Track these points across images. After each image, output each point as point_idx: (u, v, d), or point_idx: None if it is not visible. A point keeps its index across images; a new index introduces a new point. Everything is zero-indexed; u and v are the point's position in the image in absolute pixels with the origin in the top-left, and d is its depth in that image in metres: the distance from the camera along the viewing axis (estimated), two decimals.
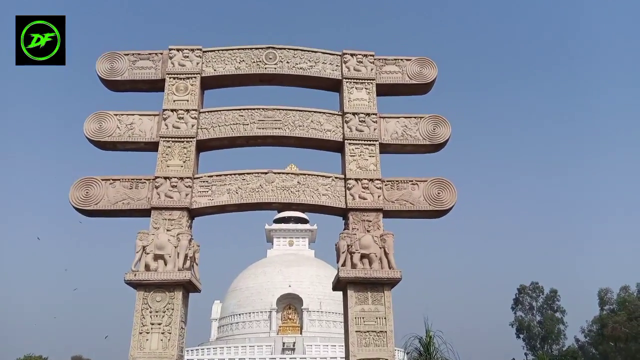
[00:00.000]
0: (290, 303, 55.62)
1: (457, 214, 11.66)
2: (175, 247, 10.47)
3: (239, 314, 55.40)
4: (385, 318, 10.29)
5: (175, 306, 10.14)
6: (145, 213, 11.01)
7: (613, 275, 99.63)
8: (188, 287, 10.60)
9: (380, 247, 10.76)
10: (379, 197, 11.21)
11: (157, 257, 10.39)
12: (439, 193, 11.39)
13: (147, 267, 10.29)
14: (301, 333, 52.08)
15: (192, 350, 47.28)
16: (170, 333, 9.94)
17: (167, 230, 10.73)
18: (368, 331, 10.20)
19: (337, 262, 10.97)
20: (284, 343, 49.33)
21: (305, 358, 45.05)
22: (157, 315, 10.06)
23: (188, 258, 10.56)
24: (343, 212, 11.45)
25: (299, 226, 65.47)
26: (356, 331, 10.19)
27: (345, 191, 11.29)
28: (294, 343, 49.44)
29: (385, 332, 10.18)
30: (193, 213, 11.26)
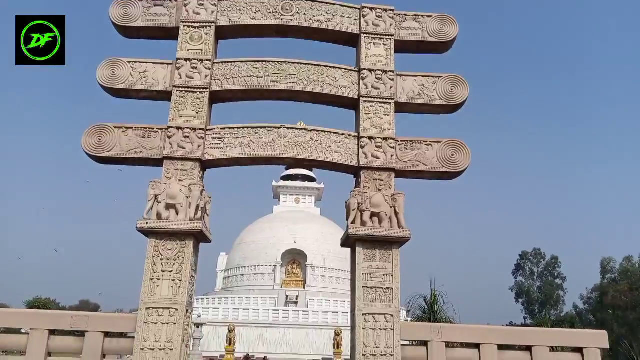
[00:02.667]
0: (295, 258, 56.69)
1: (465, 177, 11.55)
2: (187, 197, 10.53)
3: (244, 267, 56.59)
4: (392, 275, 10.40)
5: (186, 255, 10.29)
6: (157, 162, 11.03)
7: (616, 245, 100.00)
8: (199, 237, 10.73)
9: (390, 207, 10.77)
10: (392, 156, 11.13)
11: (168, 207, 10.47)
12: (452, 155, 11.28)
13: (158, 216, 10.39)
14: (304, 287, 53.28)
15: (198, 299, 48.58)
16: (180, 280, 10.14)
17: (179, 180, 10.77)
18: (375, 287, 10.34)
19: (347, 219, 11.00)
20: (287, 296, 50.52)
21: (308, 311, 46.15)
22: (168, 263, 10.23)
23: (199, 209, 10.64)
24: (355, 171, 11.41)
25: (306, 184, 65.87)
26: (363, 287, 10.33)
27: (358, 149, 11.20)
28: (297, 297, 50.62)
29: (392, 289, 10.32)
30: (205, 165, 11.27)
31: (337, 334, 33.41)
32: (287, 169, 66.29)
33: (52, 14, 9.64)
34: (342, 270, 56.45)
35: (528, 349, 10.47)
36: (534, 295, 72.79)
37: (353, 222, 10.71)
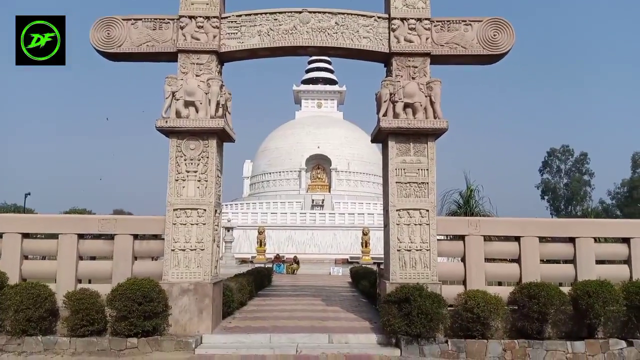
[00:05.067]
0: (319, 163, 56.60)
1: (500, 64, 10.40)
2: (206, 93, 9.83)
3: (270, 173, 57.02)
4: (427, 170, 9.79)
5: (210, 154, 9.81)
6: (171, 57, 10.22)
7: None
8: (222, 136, 10.18)
9: (426, 96, 9.88)
10: (427, 39, 10.04)
11: (187, 104, 9.83)
12: (495, 35, 10.11)
13: (177, 114, 9.79)
14: (329, 191, 53.70)
15: (227, 204, 49.66)
16: (206, 181, 9.75)
17: (196, 75, 10.01)
18: (409, 182, 9.79)
19: (377, 112, 10.22)
20: (313, 200, 51.16)
21: (334, 213, 46.79)
22: (192, 163, 9.80)
23: (220, 106, 9.97)
24: (385, 58, 10.42)
25: (328, 87, 64.01)
26: (396, 182, 9.79)
27: (389, 33, 10.12)
28: (323, 200, 51.22)
29: (427, 183, 9.76)
30: (222, 57, 10.43)
31: (364, 234, 33.96)
32: (309, 62, 64.36)
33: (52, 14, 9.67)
34: (367, 174, 56.52)
35: (571, 240, 10.02)
36: (560, 192, 72.38)
37: (385, 115, 9.93)
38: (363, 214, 46.45)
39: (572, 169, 73.24)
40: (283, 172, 56.29)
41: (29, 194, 44.16)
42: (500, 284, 10.58)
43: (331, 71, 64.72)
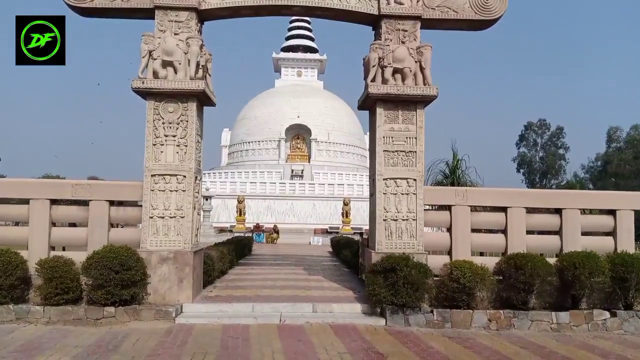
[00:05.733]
0: (299, 133, 55.99)
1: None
2: (185, 53, 9.29)
3: (249, 142, 56.23)
4: (416, 138, 9.53)
5: (190, 118, 9.34)
6: (148, 14, 9.60)
7: (623, 115, 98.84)
8: (202, 99, 9.70)
9: (416, 61, 9.54)
10: (417, 2, 9.63)
11: (165, 64, 9.29)
12: (486, 0, 9.77)
13: (155, 75, 9.25)
14: (309, 162, 53.38)
15: (205, 173, 48.99)
16: (186, 146, 9.31)
17: (175, 34, 9.44)
18: (397, 151, 9.53)
19: (365, 78, 9.86)
20: (292, 170, 50.85)
21: (313, 184, 46.64)
22: (170, 127, 9.32)
23: (200, 66, 9.46)
24: (374, 20, 9.99)
25: (308, 55, 62.78)
26: (384, 151, 9.52)
27: None
28: (303, 170, 50.96)
29: (415, 152, 9.52)
30: (202, 15, 9.84)
31: (345, 204, 33.88)
32: (289, 29, 62.93)
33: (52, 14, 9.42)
34: (347, 145, 56.26)
35: (557, 211, 9.97)
36: (536, 166, 73.46)
37: (373, 80, 9.58)
38: (343, 184, 46.42)
39: (548, 142, 74.23)
40: (262, 141, 55.59)
41: None
42: (481, 254, 10.53)
43: (312, 39, 63.48)
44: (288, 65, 63.07)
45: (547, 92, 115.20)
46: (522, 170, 74.43)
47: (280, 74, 63.62)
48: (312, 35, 63.57)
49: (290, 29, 63.36)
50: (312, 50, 63.14)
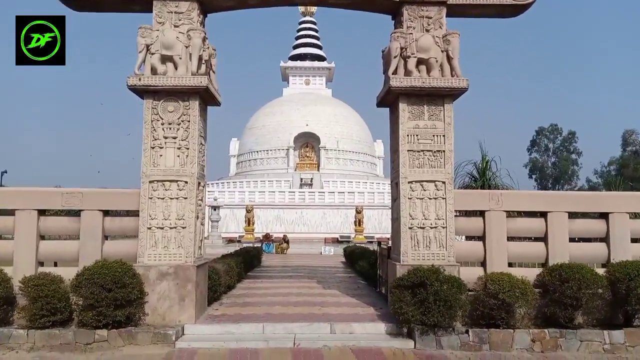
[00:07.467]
0: (308, 141, 55.13)
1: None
2: (187, 47, 8.41)
3: (257, 151, 55.46)
4: (444, 136, 8.54)
5: (192, 118, 8.42)
6: (146, 6, 8.73)
7: (635, 118, 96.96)
8: (205, 97, 8.79)
9: (442, 51, 8.58)
10: None
11: (165, 59, 8.41)
12: None
13: (153, 71, 8.37)
14: (318, 170, 52.45)
15: (213, 183, 48.21)
16: (187, 149, 8.39)
17: (175, 26, 8.57)
18: (422, 150, 8.54)
19: (386, 71, 8.93)
20: (301, 179, 49.91)
21: (323, 192, 45.63)
22: (170, 128, 8.41)
23: (203, 61, 8.56)
24: (395, 7, 9.06)
25: (316, 64, 62.05)
26: (408, 150, 8.53)
27: None
28: (312, 179, 50.02)
29: (443, 151, 8.52)
30: (205, 7, 8.99)
31: (358, 212, 32.74)
32: (297, 38, 62.26)
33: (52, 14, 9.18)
34: (356, 152, 55.32)
35: (603, 216, 8.90)
36: (548, 171, 72.09)
37: (395, 73, 8.62)
38: (353, 192, 45.35)
39: (560, 147, 72.89)
40: (271, 150, 54.79)
41: (5, 172, 42.02)
42: (510, 265, 9.46)
43: (319, 47, 62.79)
44: (296, 73, 62.40)
45: (557, 97, 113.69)
46: (534, 176, 73.11)
47: (288, 83, 62.96)
48: (320, 44, 62.92)
49: (297, 37, 62.79)
50: (320, 58, 62.44)
